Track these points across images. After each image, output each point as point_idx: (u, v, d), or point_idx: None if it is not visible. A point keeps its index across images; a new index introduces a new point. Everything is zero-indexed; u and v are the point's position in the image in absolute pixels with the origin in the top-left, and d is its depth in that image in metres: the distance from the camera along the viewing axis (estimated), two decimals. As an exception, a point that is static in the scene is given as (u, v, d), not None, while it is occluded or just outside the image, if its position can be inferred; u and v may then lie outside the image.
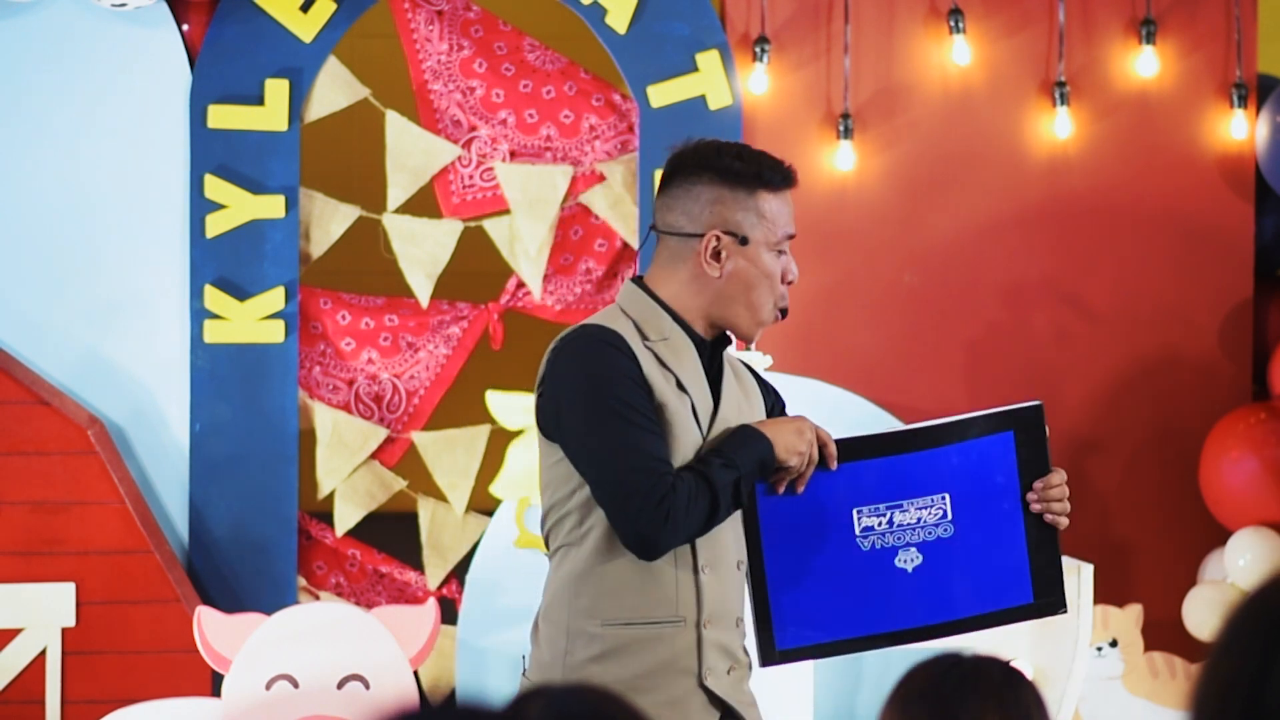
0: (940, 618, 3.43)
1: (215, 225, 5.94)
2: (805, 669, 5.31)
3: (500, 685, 5.95)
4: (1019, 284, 6.28)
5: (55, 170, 5.91)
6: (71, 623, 5.67)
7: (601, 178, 6.17)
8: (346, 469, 6.13)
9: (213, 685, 5.67)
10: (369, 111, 6.14)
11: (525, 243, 6.12)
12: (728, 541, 3.40)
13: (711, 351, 3.46)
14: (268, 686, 5.35)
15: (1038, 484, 3.43)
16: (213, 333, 5.94)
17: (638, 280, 3.46)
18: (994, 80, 6.26)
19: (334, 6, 5.99)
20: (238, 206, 5.95)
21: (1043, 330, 6.29)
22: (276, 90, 5.97)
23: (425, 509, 6.24)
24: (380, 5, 6.07)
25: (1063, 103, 6.23)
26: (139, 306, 5.94)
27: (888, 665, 5.64)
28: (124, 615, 5.70)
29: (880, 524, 3.42)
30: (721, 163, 3.41)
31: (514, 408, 5.97)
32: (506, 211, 6.17)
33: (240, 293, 5.95)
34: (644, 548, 3.27)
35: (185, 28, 5.98)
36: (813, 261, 6.20)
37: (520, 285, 6.23)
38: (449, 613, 6.06)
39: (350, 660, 5.38)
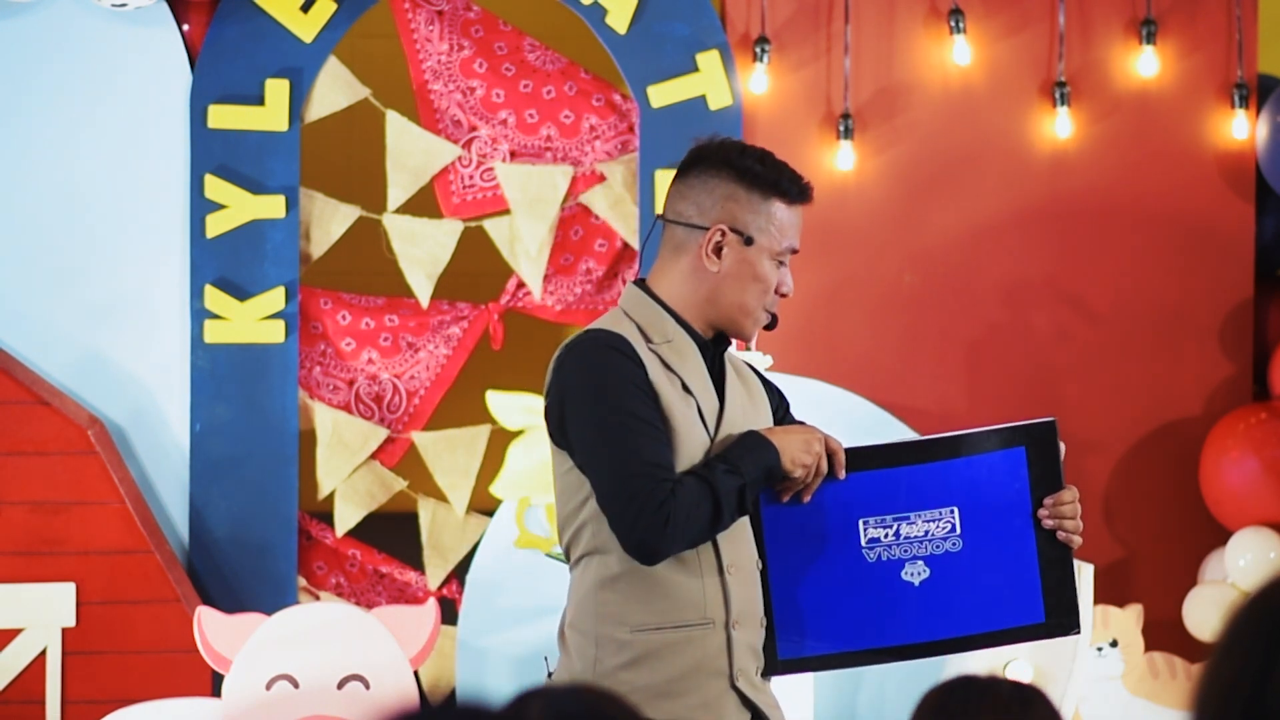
0: (947, 633, 3.39)
1: (215, 225, 5.94)
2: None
3: (500, 685, 5.95)
4: (1019, 284, 6.28)
5: (55, 170, 5.91)
6: (71, 623, 5.67)
7: (602, 178, 6.17)
8: (346, 469, 6.13)
9: (213, 685, 5.67)
10: (369, 111, 6.14)
11: (525, 243, 6.12)
12: (748, 543, 3.40)
13: (713, 352, 3.47)
14: (268, 686, 5.35)
15: (1048, 500, 3.40)
16: (213, 333, 5.94)
17: (639, 283, 3.47)
18: (994, 80, 6.26)
19: (334, 6, 5.99)
20: (238, 206, 5.95)
21: (1043, 330, 6.29)
22: (276, 90, 5.97)
23: (425, 509, 6.24)
24: (380, 5, 6.07)
25: (1063, 103, 6.23)
26: (139, 306, 5.94)
27: (888, 667, 5.64)
28: (124, 615, 5.70)
29: (887, 536, 3.39)
30: (743, 162, 3.42)
31: (514, 408, 5.97)
32: (506, 211, 6.17)
33: (240, 293, 5.95)
34: (644, 553, 3.27)
35: (185, 28, 5.98)
36: (813, 261, 6.20)
37: (520, 285, 6.23)
38: (449, 613, 6.06)
39: (350, 660, 5.38)
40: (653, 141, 6.02)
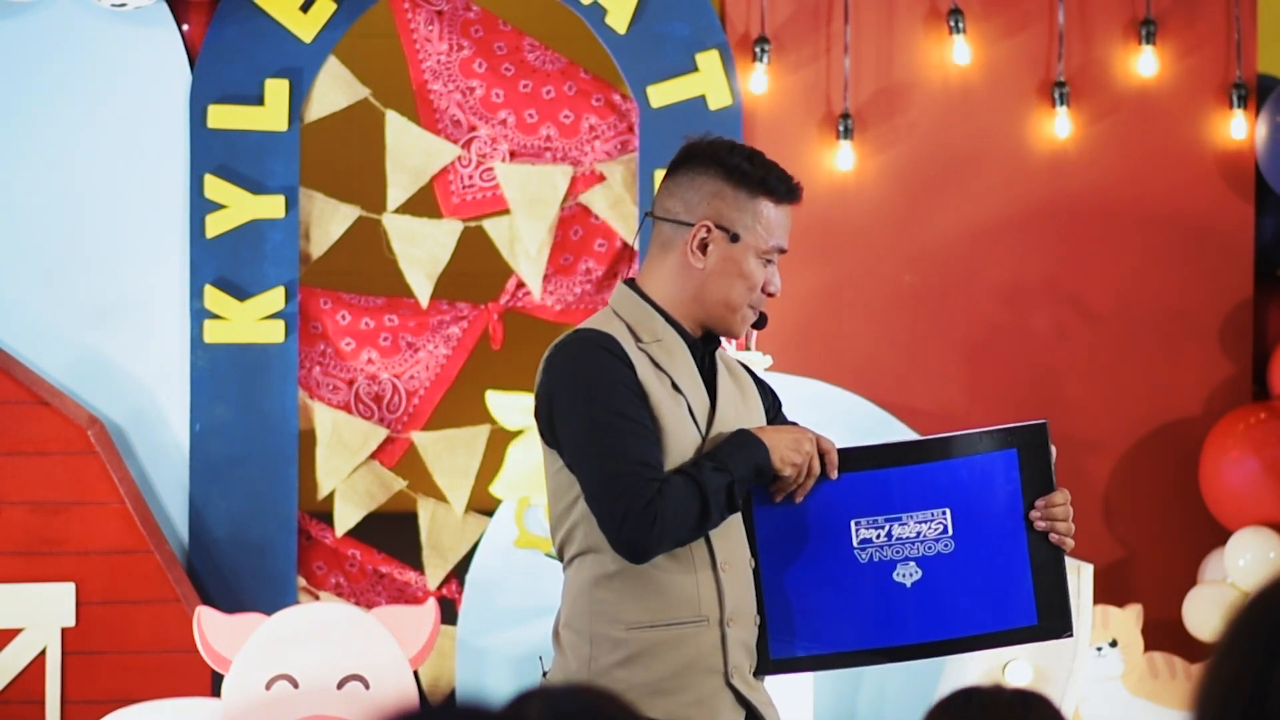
0: (939, 635, 3.38)
1: (215, 225, 5.94)
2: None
3: (500, 685, 5.95)
4: (1019, 284, 6.28)
5: (55, 170, 5.91)
6: (71, 623, 5.67)
7: (601, 178, 6.17)
8: (346, 469, 6.13)
9: (213, 685, 5.67)
10: (369, 111, 6.14)
11: (525, 243, 6.12)
12: (741, 541, 3.40)
13: (704, 351, 3.47)
14: (268, 686, 5.35)
15: (1040, 502, 3.39)
16: (213, 333, 5.94)
17: (629, 282, 3.48)
18: (994, 80, 6.26)
19: (334, 6, 5.99)
20: (238, 206, 5.95)
21: (1043, 330, 6.29)
22: (276, 90, 5.97)
23: (425, 509, 6.24)
24: (380, 5, 6.07)
25: (1063, 103, 6.23)
26: (139, 306, 5.94)
27: (887, 668, 5.64)
28: (124, 615, 5.70)
29: (879, 536, 3.38)
30: (731, 160, 3.43)
31: (514, 408, 5.97)
32: (506, 211, 6.17)
33: (240, 293, 5.95)
34: (633, 552, 3.28)
35: (185, 28, 5.98)
36: (813, 261, 6.20)
37: (520, 285, 6.23)
38: (449, 613, 6.06)
39: (350, 660, 5.38)
40: (652, 141, 6.02)
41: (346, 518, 6.15)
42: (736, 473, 3.30)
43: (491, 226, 6.20)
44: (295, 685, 5.36)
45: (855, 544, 3.38)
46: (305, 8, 5.98)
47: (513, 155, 6.19)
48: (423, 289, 6.15)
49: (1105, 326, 6.31)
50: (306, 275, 6.12)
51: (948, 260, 6.25)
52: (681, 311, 3.44)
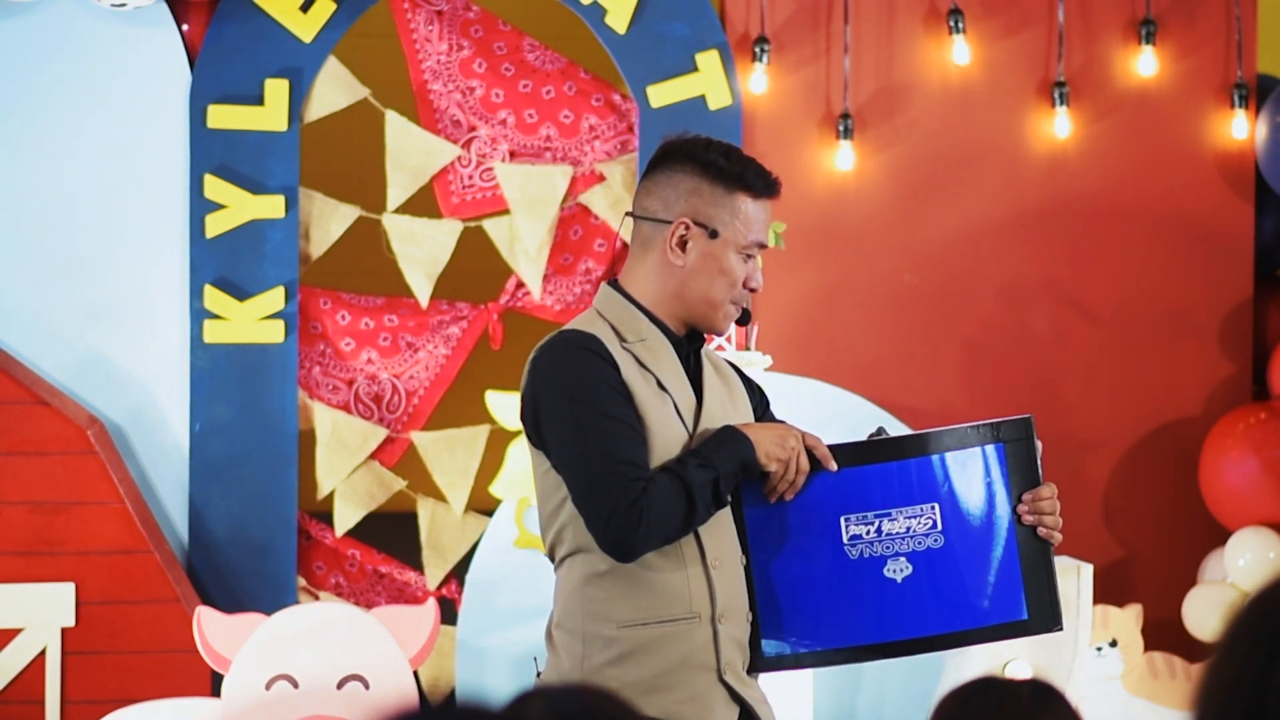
0: (930, 630, 3.38)
1: (215, 225, 5.94)
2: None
3: (500, 685, 5.95)
4: (1019, 284, 6.28)
5: (55, 170, 5.91)
6: (71, 623, 5.67)
7: (601, 178, 6.17)
8: (346, 469, 6.14)
9: (213, 685, 5.67)
10: (369, 111, 6.14)
11: (525, 243, 6.12)
12: (732, 538, 3.41)
13: (688, 349, 3.47)
14: (268, 686, 5.35)
15: (1027, 496, 3.39)
16: (213, 333, 5.94)
17: (613, 283, 3.49)
18: (994, 80, 6.26)
19: (334, 6, 5.99)
20: (238, 206, 5.95)
21: (1043, 330, 6.29)
22: (276, 90, 5.97)
23: (425, 509, 6.25)
24: (380, 5, 6.07)
25: (1062, 103, 6.23)
26: (139, 306, 5.94)
27: (888, 666, 5.64)
28: (124, 615, 5.70)
29: (869, 533, 3.38)
30: (707, 157, 3.43)
31: (514, 408, 5.96)
32: (506, 211, 6.17)
33: (240, 293, 5.95)
34: (619, 551, 3.28)
35: (185, 28, 5.98)
36: (813, 261, 6.20)
37: (520, 285, 6.23)
38: (449, 613, 6.06)
39: (350, 660, 5.38)
40: (652, 142, 6.01)
41: (346, 518, 6.15)
42: (722, 468, 3.30)
43: (491, 226, 6.20)
44: (295, 685, 5.36)
45: (845, 540, 3.38)
46: (305, 8, 5.98)
47: (513, 155, 6.19)
48: (423, 289, 6.15)
49: (1105, 326, 6.31)
50: (306, 275, 6.12)
51: (948, 260, 6.25)
52: (664, 310, 3.44)
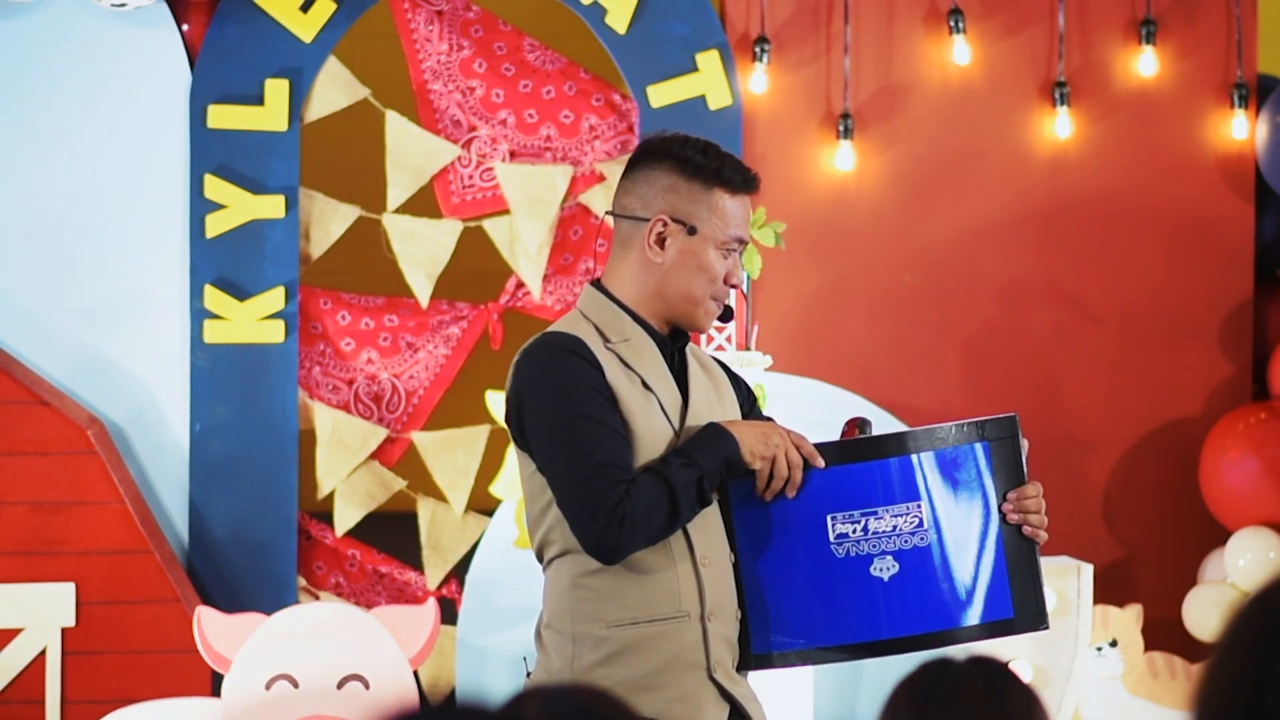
0: (918, 629, 3.37)
1: (215, 225, 5.94)
2: (806, 668, 5.30)
3: (500, 685, 5.95)
4: (1019, 284, 6.28)
5: (55, 170, 5.91)
6: (71, 623, 5.67)
7: (601, 178, 6.17)
8: (346, 469, 6.14)
9: (213, 685, 5.67)
10: (369, 111, 6.14)
11: (525, 243, 6.12)
12: (720, 536, 3.41)
13: (672, 348, 3.47)
14: (268, 686, 5.35)
15: (1011, 494, 3.37)
16: (213, 333, 5.94)
17: (596, 283, 3.48)
18: (994, 80, 6.26)
19: (334, 6, 5.99)
20: (238, 206, 5.95)
21: (1042, 330, 6.29)
22: (276, 90, 5.97)
23: (425, 509, 6.25)
24: (380, 5, 6.07)
25: (1063, 103, 6.23)
26: (139, 306, 5.94)
27: (888, 665, 5.63)
28: (124, 615, 5.70)
29: (855, 531, 3.38)
30: (684, 154, 3.43)
31: (512, 408, 5.96)
32: (506, 211, 6.17)
33: (240, 293, 5.95)
34: (603, 553, 3.29)
35: (185, 28, 5.98)
36: (813, 261, 6.20)
37: (520, 285, 6.23)
38: (449, 613, 6.06)
39: (350, 660, 5.38)
40: (652, 141, 6.01)
41: (346, 518, 6.15)
42: (705, 467, 3.30)
43: (491, 226, 6.20)
44: (295, 685, 5.36)
45: (832, 539, 3.38)
46: (305, 8, 5.98)
47: (513, 155, 6.19)
48: (423, 289, 6.15)
49: (1105, 326, 6.31)
50: (306, 275, 6.12)
51: (948, 260, 6.25)
52: (647, 309, 3.44)
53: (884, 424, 6.00)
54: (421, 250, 6.13)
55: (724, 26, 6.14)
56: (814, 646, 3.42)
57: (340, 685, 5.37)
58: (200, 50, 5.96)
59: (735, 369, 3.69)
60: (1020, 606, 3.38)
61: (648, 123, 6.04)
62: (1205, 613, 5.99)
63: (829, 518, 3.38)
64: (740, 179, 3.44)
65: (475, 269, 6.45)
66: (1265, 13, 6.49)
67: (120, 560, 5.70)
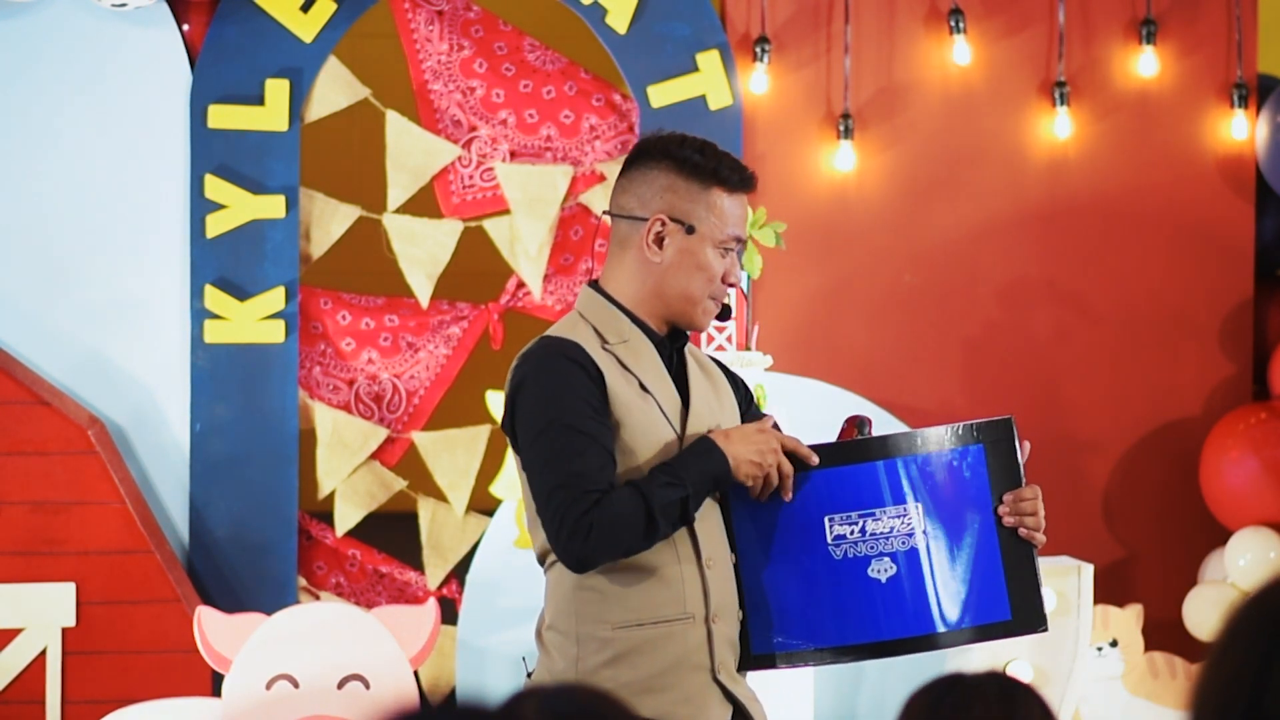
0: (915, 631, 3.37)
1: (215, 225, 5.95)
2: (806, 668, 5.31)
3: (500, 685, 5.95)
4: (1019, 284, 6.28)
5: (55, 170, 5.91)
6: (71, 623, 5.68)
7: (602, 178, 6.17)
8: (346, 469, 6.14)
9: (213, 685, 5.67)
10: (369, 111, 6.14)
11: (525, 243, 6.13)
12: (723, 537, 3.41)
13: (670, 348, 3.47)
14: (268, 686, 5.35)
15: (1008, 496, 3.37)
16: (213, 333, 5.94)
17: (593, 284, 3.48)
18: (994, 80, 6.26)
19: (334, 6, 5.99)
20: (238, 206, 5.95)
21: (1042, 330, 6.29)
22: (276, 90, 5.97)
23: (425, 509, 6.25)
24: (380, 5, 6.07)
25: (1063, 103, 6.23)
26: (139, 306, 5.94)
27: (888, 666, 5.64)
28: (124, 615, 5.71)
29: (853, 532, 3.38)
30: (681, 153, 3.43)
31: (513, 408, 5.96)
32: (506, 211, 6.17)
33: (240, 293, 5.95)
34: (570, 562, 3.29)
35: (185, 28, 5.98)
36: (813, 261, 6.20)
37: (520, 285, 6.23)
38: (449, 613, 6.06)
39: (350, 660, 5.38)
40: (653, 141, 6.01)
41: (347, 518, 6.15)
42: (691, 487, 3.29)
43: (491, 226, 6.20)
44: (295, 685, 5.36)
45: (830, 540, 3.38)
46: (305, 8, 5.98)
47: (513, 155, 6.19)
48: (423, 289, 6.15)
49: (1105, 326, 6.31)
50: (307, 275, 6.12)
51: (948, 260, 6.25)
52: (645, 309, 3.44)
53: (884, 424, 6.00)
54: (422, 250, 6.13)
55: (724, 26, 6.14)
56: (815, 647, 3.42)
57: (340, 685, 5.37)
58: (200, 50, 5.96)
59: (735, 369, 3.69)
60: (1018, 608, 3.38)
61: (648, 123, 6.04)
62: (1205, 613, 5.99)
63: (827, 519, 3.38)
64: (738, 178, 3.44)
65: (475, 269, 6.45)
66: (1265, 13, 6.49)
67: (120, 560, 5.70)
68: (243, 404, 5.95)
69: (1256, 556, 5.97)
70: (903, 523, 3.36)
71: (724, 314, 3.49)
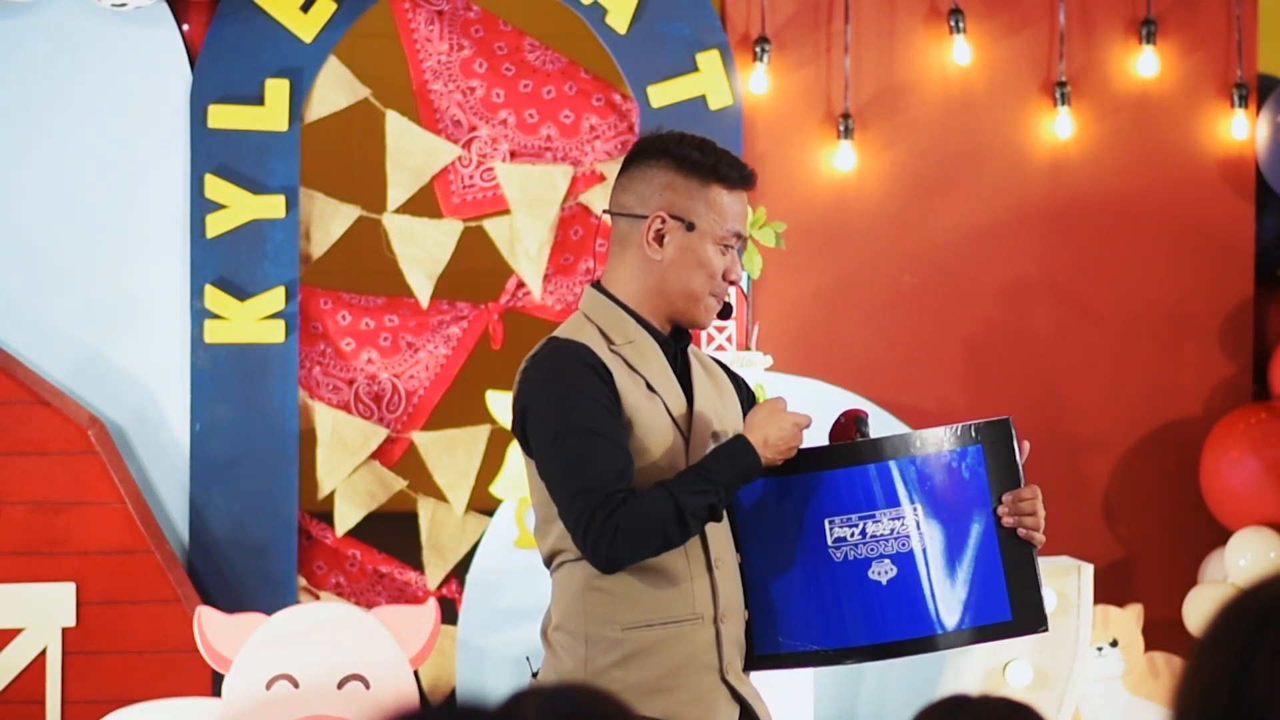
0: (917, 632, 3.37)
1: (215, 225, 5.95)
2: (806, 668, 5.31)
3: (500, 685, 5.95)
4: (1019, 284, 6.28)
5: (55, 170, 5.91)
6: (71, 623, 5.67)
7: (602, 178, 6.17)
8: (346, 469, 6.14)
9: (213, 685, 5.67)
10: (369, 111, 6.14)
11: (525, 243, 6.13)
12: (729, 537, 3.42)
13: (674, 348, 3.47)
14: (268, 686, 5.35)
15: (1007, 497, 3.37)
16: (213, 333, 5.94)
17: (596, 284, 3.48)
18: (994, 80, 6.27)
19: (334, 6, 5.99)
20: (238, 206, 5.95)
21: (1043, 330, 6.29)
22: (276, 90, 5.97)
23: (425, 509, 6.25)
24: (380, 5, 6.07)
25: (1063, 103, 6.23)
26: (139, 306, 5.94)
27: (888, 666, 5.64)
28: (124, 615, 5.70)
29: (853, 535, 3.38)
30: (680, 150, 3.43)
31: (513, 408, 5.96)
32: (506, 211, 6.17)
33: (240, 293, 5.95)
34: (598, 563, 3.30)
35: (185, 28, 5.98)
36: (813, 261, 6.20)
37: (520, 285, 6.23)
38: (449, 613, 6.06)
39: (350, 660, 5.38)
40: (653, 141, 6.01)
41: (347, 517, 6.15)
42: (724, 489, 3.30)
43: (492, 226, 6.20)
44: (295, 685, 5.36)
45: (830, 543, 3.38)
46: (305, 8, 5.98)
47: (513, 155, 6.19)
48: (423, 289, 6.15)
49: (1105, 326, 6.31)
50: (306, 275, 6.12)
51: (948, 260, 6.25)
52: (648, 308, 3.44)
53: (884, 424, 6.00)
54: (422, 250, 6.13)
55: (724, 26, 6.14)
56: (818, 648, 3.43)
57: (340, 685, 5.37)
58: (200, 50, 5.96)
59: (735, 369, 3.69)
60: (1018, 609, 3.38)
61: (648, 123, 6.04)
62: (1206, 613, 5.98)
63: (827, 522, 3.38)
64: (737, 174, 3.45)
65: (475, 269, 6.45)
66: (1265, 13, 6.49)
67: (120, 560, 5.70)
68: (243, 404, 5.95)
69: (1256, 556, 5.97)
70: (902, 525, 3.36)
71: (725, 312, 3.49)
